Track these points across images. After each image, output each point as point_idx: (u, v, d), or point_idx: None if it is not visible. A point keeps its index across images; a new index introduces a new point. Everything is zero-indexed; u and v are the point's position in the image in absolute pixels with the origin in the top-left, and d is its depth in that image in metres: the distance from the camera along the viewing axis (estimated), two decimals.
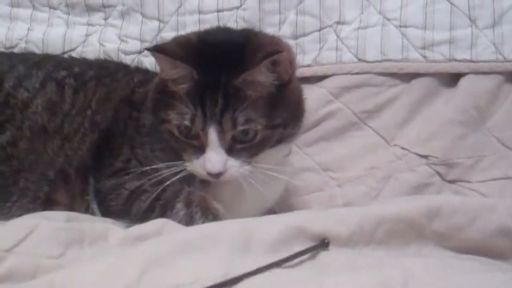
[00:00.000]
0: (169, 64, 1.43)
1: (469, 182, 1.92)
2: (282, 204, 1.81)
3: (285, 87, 1.48)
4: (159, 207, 1.45)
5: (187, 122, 1.42)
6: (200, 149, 1.44)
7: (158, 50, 1.46)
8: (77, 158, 1.62)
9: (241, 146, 1.44)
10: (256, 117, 1.41)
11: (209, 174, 1.43)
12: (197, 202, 1.45)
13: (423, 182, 1.92)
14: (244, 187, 1.48)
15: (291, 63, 1.50)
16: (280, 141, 1.50)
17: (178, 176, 1.46)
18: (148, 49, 1.51)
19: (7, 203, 1.62)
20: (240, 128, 1.41)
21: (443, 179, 1.92)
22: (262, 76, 1.42)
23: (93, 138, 1.65)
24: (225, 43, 1.52)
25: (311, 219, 1.25)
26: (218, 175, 1.43)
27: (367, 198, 1.93)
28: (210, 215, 1.43)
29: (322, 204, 1.95)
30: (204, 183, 1.52)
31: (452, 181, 1.93)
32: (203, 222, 1.41)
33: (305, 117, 1.60)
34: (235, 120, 1.40)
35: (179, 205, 1.44)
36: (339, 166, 2.03)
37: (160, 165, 1.48)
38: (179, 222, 1.40)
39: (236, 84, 1.40)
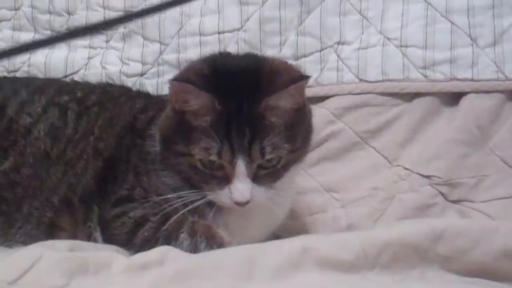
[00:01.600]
0: (192, 95, 1.39)
1: (472, 202, 1.91)
2: (285, 226, 1.80)
3: (301, 110, 1.50)
4: (163, 238, 1.43)
5: (213, 157, 1.39)
6: (225, 179, 1.42)
7: (184, 80, 1.42)
8: (81, 185, 1.62)
9: (265, 172, 1.43)
10: (282, 143, 1.41)
11: (237, 203, 1.42)
12: (202, 232, 1.43)
13: (426, 202, 1.91)
14: (249, 212, 1.49)
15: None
16: (295, 162, 1.52)
17: (192, 206, 1.45)
18: (175, 80, 1.45)
19: (11, 230, 1.61)
20: (269, 157, 1.41)
21: (446, 199, 1.92)
22: (284, 101, 1.42)
23: (97, 165, 1.64)
24: (237, 70, 1.50)
25: (314, 244, 1.24)
26: (245, 203, 1.42)
27: (371, 219, 1.92)
28: (215, 244, 1.41)
29: (326, 226, 1.95)
30: (211, 208, 1.50)
31: (455, 201, 1.92)
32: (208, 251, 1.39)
33: (313, 135, 1.62)
34: (264, 150, 1.39)
35: (183, 235, 1.42)
36: (342, 186, 2.02)
37: (172, 195, 1.47)
38: (184, 252, 1.38)
39: (260, 111, 1.39)
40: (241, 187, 1.40)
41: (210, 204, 1.48)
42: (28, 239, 1.59)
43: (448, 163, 1.94)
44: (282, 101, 1.42)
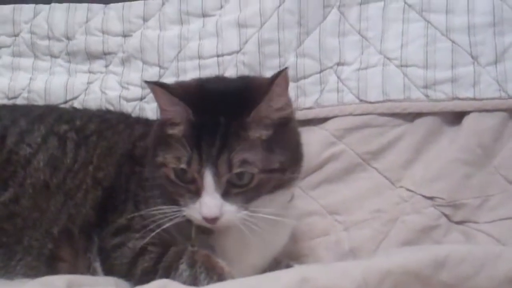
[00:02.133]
0: (168, 101, 1.44)
1: (476, 222, 1.89)
2: (287, 251, 1.78)
3: (284, 127, 1.47)
4: (162, 269, 1.42)
5: (183, 165, 1.40)
6: (196, 193, 1.42)
7: (158, 84, 1.47)
8: (81, 216, 1.61)
9: (237, 190, 1.41)
10: (253, 159, 1.40)
11: (205, 218, 1.40)
12: (201, 262, 1.41)
13: (430, 224, 1.89)
14: (247, 236, 1.45)
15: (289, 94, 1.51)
16: (279, 186, 1.48)
17: (172, 222, 1.44)
18: (147, 82, 1.51)
19: (11, 262, 1.60)
20: (236, 170, 1.39)
21: (450, 220, 1.90)
22: (274, 103, 1.43)
23: (96, 195, 1.63)
24: (224, 87, 1.53)
25: (313, 275, 1.22)
26: (214, 220, 1.40)
27: (374, 242, 1.91)
28: (215, 275, 1.39)
29: (328, 249, 1.94)
30: (206, 233, 1.49)
31: (459, 222, 1.90)
32: (208, 283, 1.36)
33: (303, 162, 1.57)
34: (231, 162, 1.38)
35: (182, 266, 1.40)
36: (345, 209, 2.01)
37: (149, 210, 1.47)
38: (184, 283, 1.35)
39: (235, 126, 1.40)
40: (209, 201, 1.39)
41: (206, 230, 1.48)
42: (29, 271, 1.58)
43: (452, 184, 1.92)
44: (264, 111, 1.42)
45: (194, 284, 1.37)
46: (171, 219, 1.44)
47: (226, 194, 1.40)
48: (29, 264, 1.59)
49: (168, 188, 1.48)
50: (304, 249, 1.93)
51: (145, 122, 1.88)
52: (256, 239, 1.48)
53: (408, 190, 1.96)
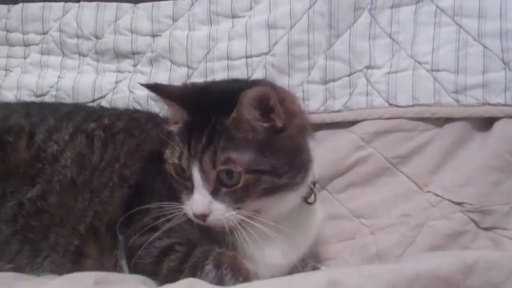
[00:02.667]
0: (166, 103, 1.56)
1: (505, 229, 1.89)
2: (314, 253, 1.80)
3: (278, 134, 1.48)
4: (188, 269, 1.44)
5: (176, 160, 1.49)
6: (192, 190, 1.47)
7: (150, 87, 1.62)
8: (107, 214, 1.63)
9: (226, 190, 1.45)
10: (238, 158, 1.42)
11: (194, 215, 1.45)
12: (228, 263, 1.44)
13: (458, 230, 1.89)
14: (269, 235, 1.48)
15: (284, 103, 1.50)
16: (276, 189, 1.48)
17: (173, 215, 1.49)
18: (143, 85, 1.63)
19: (37, 258, 1.63)
20: (220, 168, 1.43)
21: (478, 226, 1.90)
22: (248, 114, 1.44)
23: (123, 193, 1.66)
24: (223, 90, 1.58)
25: (341, 278, 1.23)
26: (202, 217, 1.44)
27: (401, 247, 1.91)
28: (241, 276, 1.42)
29: (355, 253, 1.94)
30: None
31: (487, 229, 1.90)
32: (234, 284, 1.39)
33: (309, 169, 1.58)
34: (215, 159, 1.42)
35: (208, 267, 1.43)
36: (372, 213, 2.02)
37: (151, 205, 1.53)
38: (209, 283, 1.37)
39: (224, 123, 1.44)
40: (198, 198, 1.44)
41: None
42: (55, 268, 1.61)
43: (480, 190, 1.92)
44: (247, 114, 1.44)
45: (220, 285, 1.39)
46: (173, 215, 1.49)
47: (215, 192, 1.45)
48: (55, 261, 1.62)
49: (173, 184, 1.54)
50: (330, 252, 1.94)
51: None
52: (279, 239, 1.51)
53: (436, 195, 1.96)
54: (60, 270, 1.59)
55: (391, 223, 1.97)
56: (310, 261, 1.77)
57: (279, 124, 1.47)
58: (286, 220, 1.55)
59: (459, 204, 1.92)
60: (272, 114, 1.46)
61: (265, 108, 1.45)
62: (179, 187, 1.52)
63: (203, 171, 1.43)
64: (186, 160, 1.46)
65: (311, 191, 1.65)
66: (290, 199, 1.56)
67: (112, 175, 1.69)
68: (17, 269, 1.62)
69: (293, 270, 1.61)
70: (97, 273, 1.47)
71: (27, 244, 1.64)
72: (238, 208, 1.45)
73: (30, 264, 1.63)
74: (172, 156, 1.50)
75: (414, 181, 2.01)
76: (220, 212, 1.44)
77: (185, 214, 1.49)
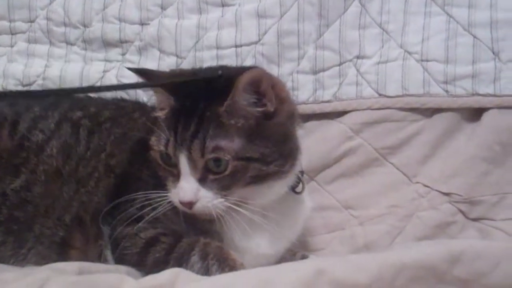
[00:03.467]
0: (153, 88, 1.60)
1: (493, 220, 1.93)
2: (303, 243, 1.82)
3: (268, 121, 1.50)
4: (174, 260, 1.45)
5: (162, 147, 1.49)
6: (178, 178, 1.48)
7: (138, 71, 1.62)
8: (93, 204, 1.64)
9: (213, 177, 1.46)
10: (226, 146, 1.43)
11: (181, 202, 1.46)
12: (214, 254, 1.45)
13: (446, 220, 1.93)
14: (255, 225, 1.52)
15: (274, 88, 1.51)
16: (264, 177, 1.50)
17: (159, 203, 1.50)
18: (131, 69, 1.66)
19: (22, 250, 1.64)
20: (209, 156, 1.44)
21: (466, 217, 1.93)
22: (243, 99, 1.46)
23: (109, 183, 1.67)
24: (212, 76, 1.57)
25: (329, 267, 1.25)
26: (189, 204, 1.46)
27: (389, 237, 1.95)
28: (227, 267, 1.43)
29: (343, 244, 1.97)
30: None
31: (475, 219, 1.94)
32: (220, 274, 1.40)
33: (297, 157, 1.60)
34: (204, 148, 1.43)
35: (194, 258, 1.44)
36: (360, 203, 2.04)
37: (143, 193, 1.53)
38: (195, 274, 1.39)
39: (215, 109, 1.45)
40: (185, 185, 1.46)
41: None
42: (40, 259, 1.62)
43: (469, 181, 1.95)
44: (241, 99, 1.45)
45: (206, 274, 1.40)
46: (159, 204, 1.50)
47: (202, 179, 1.46)
48: (40, 253, 1.63)
49: (158, 172, 1.55)
50: (320, 243, 1.98)
51: None
52: (266, 228, 1.54)
53: (424, 185, 1.99)
54: (45, 262, 1.57)
55: (379, 214, 2.00)
56: (299, 250, 1.79)
57: (270, 108, 1.49)
58: (274, 209, 1.58)
59: (448, 194, 1.95)
60: (264, 99, 1.48)
61: (258, 92, 1.47)
62: (165, 174, 1.53)
63: (190, 159, 1.44)
64: (172, 147, 1.47)
65: (299, 180, 1.67)
66: (278, 188, 1.57)
67: (97, 164, 1.69)
68: (0, 260, 1.62)
69: (281, 260, 1.64)
70: (80, 263, 1.47)
71: (11, 236, 1.65)
72: (225, 196, 1.47)
73: (14, 256, 1.64)
74: (158, 143, 1.50)
75: (403, 171, 2.04)
76: (207, 200, 1.46)
77: (170, 202, 1.50)
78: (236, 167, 1.44)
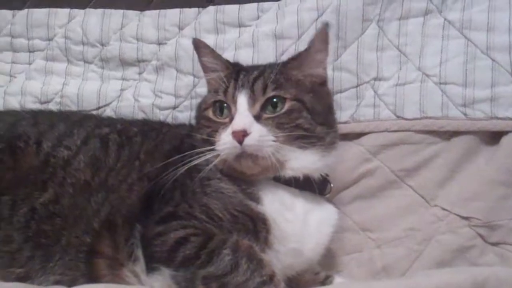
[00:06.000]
0: (211, 57, 1.82)
1: None
2: (322, 264, 1.82)
3: (320, 87, 1.76)
4: (205, 254, 1.48)
5: (219, 96, 1.69)
6: (230, 121, 1.63)
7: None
8: (125, 206, 1.69)
9: (268, 116, 1.61)
10: (286, 87, 1.66)
11: (234, 133, 1.56)
12: (244, 249, 1.49)
13: (465, 244, 1.93)
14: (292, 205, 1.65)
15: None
16: (309, 138, 1.63)
17: (207, 156, 1.62)
18: (195, 39, 1.88)
19: (49, 263, 1.66)
20: (270, 93, 1.62)
21: (485, 241, 1.93)
22: (314, 52, 1.73)
23: (142, 186, 1.72)
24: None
25: None
26: (242, 133, 1.55)
27: (407, 261, 1.95)
28: (255, 260, 1.46)
29: (361, 266, 1.98)
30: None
31: (495, 244, 1.93)
32: (248, 267, 1.44)
33: (336, 140, 1.75)
34: (266, 86, 1.63)
35: (226, 251, 1.47)
36: (378, 226, 2.05)
37: (192, 152, 1.63)
38: (224, 267, 1.44)
39: (278, 64, 1.72)
40: (240, 116, 1.61)
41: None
42: (67, 270, 1.65)
43: (488, 205, 1.95)
44: (310, 53, 1.74)
45: (234, 269, 1.44)
46: (204, 155, 1.62)
47: (258, 117, 1.62)
48: (67, 264, 1.66)
49: (207, 130, 1.69)
50: (337, 265, 1.98)
51: (187, 126, 1.97)
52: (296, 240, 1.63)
53: (443, 209, 1.99)
54: (71, 273, 1.64)
55: (397, 237, 2.00)
56: (322, 270, 1.84)
57: (325, 75, 1.79)
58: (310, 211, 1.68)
59: (467, 218, 1.95)
60: (325, 61, 1.77)
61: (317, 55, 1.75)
62: (214, 128, 1.67)
63: (251, 97, 1.62)
64: (232, 90, 1.67)
65: (326, 182, 1.75)
66: (313, 158, 1.66)
67: (131, 172, 1.76)
68: (28, 273, 1.66)
69: (300, 279, 1.72)
70: (104, 284, 1.51)
71: (39, 250, 1.67)
72: (276, 137, 1.58)
73: (41, 270, 1.66)
74: (215, 95, 1.71)
75: (420, 194, 2.04)
76: (260, 133, 1.58)
77: (216, 155, 1.60)
78: (293, 106, 1.63)
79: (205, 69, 1.84)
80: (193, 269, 1.46)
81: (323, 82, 1.79)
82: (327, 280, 1.80)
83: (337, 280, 1.81)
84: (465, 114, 2.02)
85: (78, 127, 1.86)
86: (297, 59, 1.75)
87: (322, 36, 1.74)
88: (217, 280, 1.43)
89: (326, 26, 1.75)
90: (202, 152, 1.62)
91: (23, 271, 1.66)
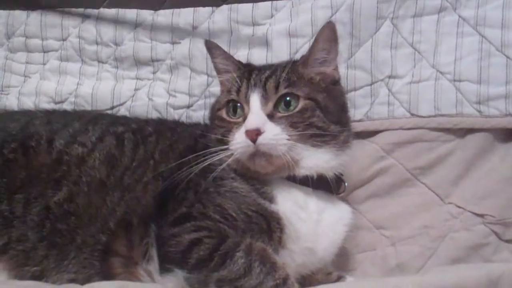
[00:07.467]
0: (224, 58, 1.84)
1: None
2: (335, 263, 1.83)
3: (332, 85, 1.77)
4: (219, 256, 1.50)
5: (232, 95, 1.71)
6: (243, 121, 1.64)
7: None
8: (141, 206, 1.71)
9: (281, 114, 1.63)
10: (299, 86, 1.68)
11: (247, 132, 1.58)
12: (257, 251, 1.51)
13: (479, 242, 1.94)
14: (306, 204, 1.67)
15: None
16: (322, 137, 1.64)
17: (221, 156, 1.63)
18: (207, 41, 1.91)
19: (64, 262, 1.69)
20: (283, 91, 1.65)
21: (500, 238, 1.94)
22: (318, 51, 1.73)
23: (157, 186, 1.74)
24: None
25: None
26: (256, 131, 1.57)
27: (422, 259, 1.97)
28: (268, 263, 1.48)
29: (375, 264, 2.00)
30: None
31: (509, 241, 1.95)
32: (261, 270, 1.46)
33: (350, 139, 1.77)
34: (278, 84, 1.65)
35: (239, 254, 1.49)
36: (392, 224, 2.06)
37: (206, 151, 1.65)
38: (237, 270, 1.46)
39: (290, 63, 1.73)
40: (254, 115, 1.63)
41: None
42: (81, 269, 1.68)
43: (502, 202, 1.97)
44: (314, 52, 1.74)
45: (248, 272, 1.46)
46: (218, 155, 1.63)
47: (271, 116, 1.64)
48: (81, 262, 1.69)
49: (221, 130, 1.70)
50: (351, 263, 2.00)
51: (202, 126, 1.98)
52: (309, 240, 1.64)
53: (457, 206, 2.01)
54: (86, 271, 1.67)
55: (411, 235, 2.02)
56: (334, 270, 1.85)
57: (337, 75, 1.80)
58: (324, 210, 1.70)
59: (481, 216, 1.96)
60: (335, 60, 1.78)
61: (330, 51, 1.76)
62: (228, 127, 1.68)
63: (263, 96, 1.65)
64: (245, 90, 1.69)
65: (341, 181, 1.76)
66: (326, 157, 1.68)
67: (146, 171, 1.78)
68: (43, 271, 1.69)
69: (312, 279, 1.73)
70: (118, 282, 1.54)
71: (54, 249, 1.71)
72: (289, 135, 1.60)
73: (55, 268, 1.70)
74: (228, 95, 1.73)
75: (435, 192, 2.05)
76: (273, 132, 1.60)
77: (230, 155, 1.62)
78: (306, 105, 1.65)
79: (218, 70, 1.87)
80: (206, 272, 1.49)
81: (336, 81, 1.80)
82: (339, 280, 1.80)
83: (349, 280, 1.82)
84: (479, 112, 2.03)
85: (93, 125, 1.89)
86: (304, 58, 1.77)
87: (325, 35, 1.74)
88: (231, 283, 1.46)
89: (330, 25, 1.75)
90: (216, 152, 1.63)
91: (38, 270, 1.70)
